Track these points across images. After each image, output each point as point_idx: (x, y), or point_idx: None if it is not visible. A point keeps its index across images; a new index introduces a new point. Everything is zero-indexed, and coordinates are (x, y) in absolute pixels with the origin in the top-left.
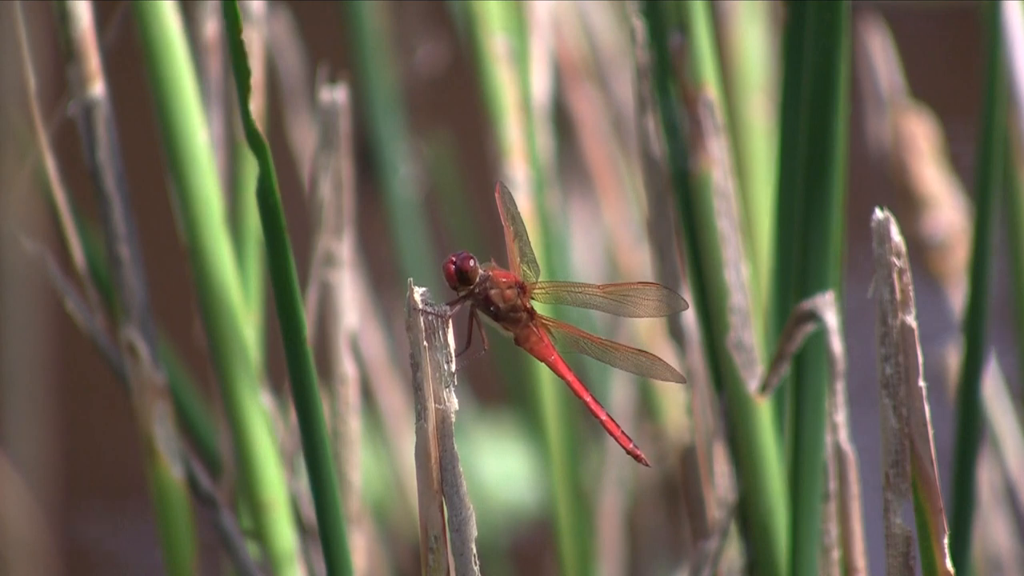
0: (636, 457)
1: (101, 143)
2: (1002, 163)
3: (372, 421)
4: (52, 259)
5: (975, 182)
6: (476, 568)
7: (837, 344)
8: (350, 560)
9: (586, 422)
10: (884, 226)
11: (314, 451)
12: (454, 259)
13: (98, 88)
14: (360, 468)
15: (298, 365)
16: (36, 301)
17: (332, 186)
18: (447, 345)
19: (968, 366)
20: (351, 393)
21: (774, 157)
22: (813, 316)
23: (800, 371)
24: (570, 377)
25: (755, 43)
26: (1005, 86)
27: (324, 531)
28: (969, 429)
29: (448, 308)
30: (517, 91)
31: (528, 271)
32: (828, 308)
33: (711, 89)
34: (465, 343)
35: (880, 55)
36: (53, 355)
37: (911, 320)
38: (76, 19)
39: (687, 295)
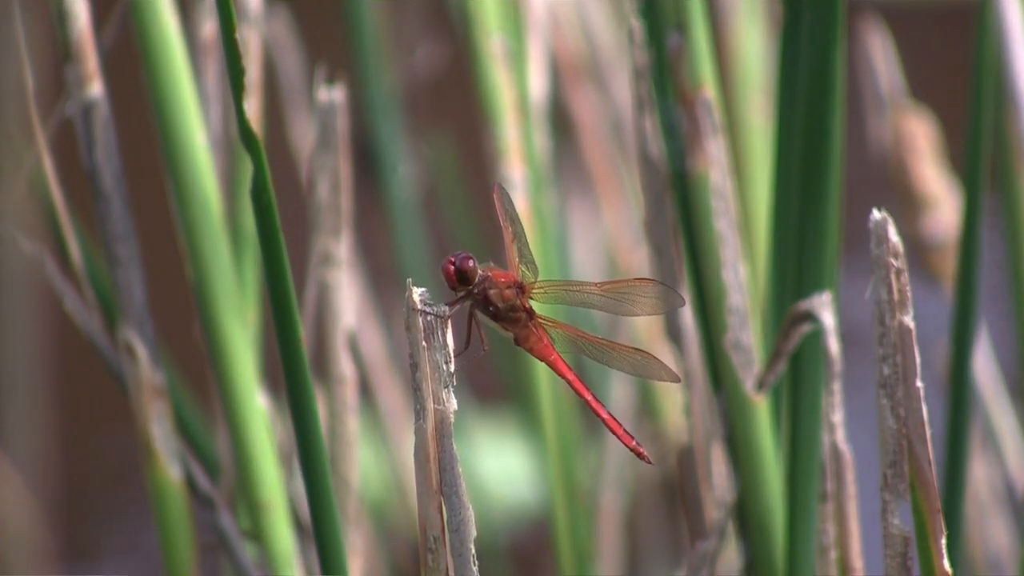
0: (639, 455)
1: (99, 143)
2: (990, 155)
3: (372, 421)
4: (50, 259)
5: (964, 176)
6: (475, 568)
7: (834, 344)
8: (345, 561)
9: (585, 421)
10: (882, 227)
11: (309, 451)
12: (453, 259)
13: (96, 88)
14: (359, 468)
15: (292, 363)
16: (34, 301)
17: (330, 186)
18: (446, 345)
19: (958, 353)
20: (349, 393)
21: (771, 157)
22: (810, 316)
23: (797, 371)
24: (570, 376)
25: (753, 43)
26: (1004, 86)
27: (319, 531)
28: (960, 417)
29: (447, 308)
30: (514, 91)
31: (527, 271)
32: (825, 308)
33: (709, 89)
34: (464, 343)
35: (880, 55)
36: (51, 355)
37: (909, 320)
38: (74, 19)
39: (685, 295)
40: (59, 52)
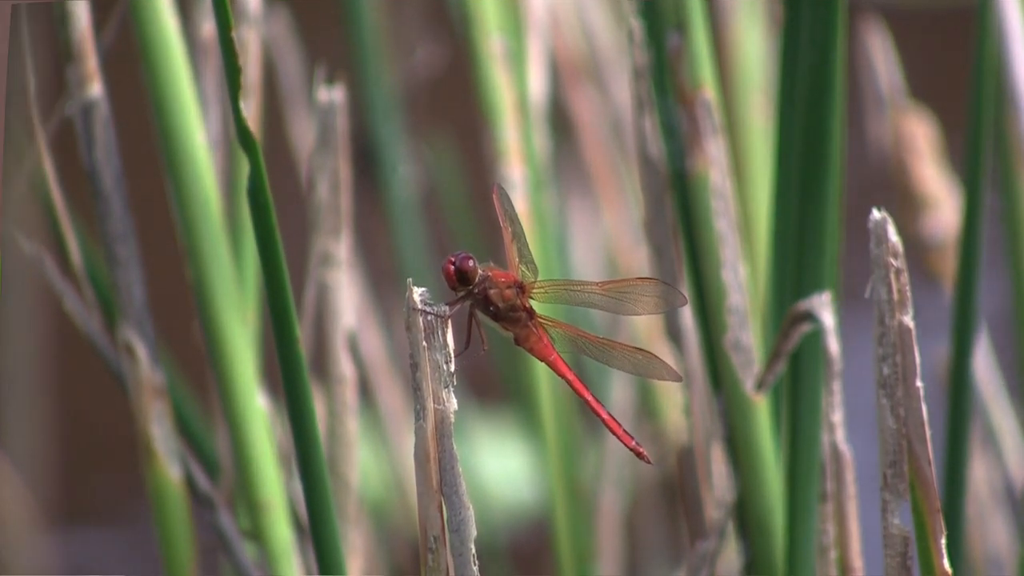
0: (639, 455)
1: (99, 143)
2: (990, 155)
3: (371, 421)
4: (50, 259)
5: (964, 176)
6: (475, 568)
7: (834, 344)
8: (343, 561)
9: (585, 421)
10: (882, 226)
11: (307, 452)
12: (453, 259)
13: (96, 88)
14: (358, 468)
15: (290, 363)
16: (34, 301)
17: (330, 186)
18: (446, 345)
19: (957, 353)
20: (349, 394)
21: (771, 157)
22: (809, 316)
23: (797, 371)
24: (570, 376)
25: (753, 43)
26: (1004, 86)
27: (317, 531)
28: (960, 417)
29: (447, 308)
30: (514, 91)
31: (526, 271)
32: (825, 308)
33: (709, 89)
34: (464, 343)
35: (880, 55)
36: (51, 355)
37: (908, 320)
38: (75, 20)
39: (685, 294)
40: (61, 53)
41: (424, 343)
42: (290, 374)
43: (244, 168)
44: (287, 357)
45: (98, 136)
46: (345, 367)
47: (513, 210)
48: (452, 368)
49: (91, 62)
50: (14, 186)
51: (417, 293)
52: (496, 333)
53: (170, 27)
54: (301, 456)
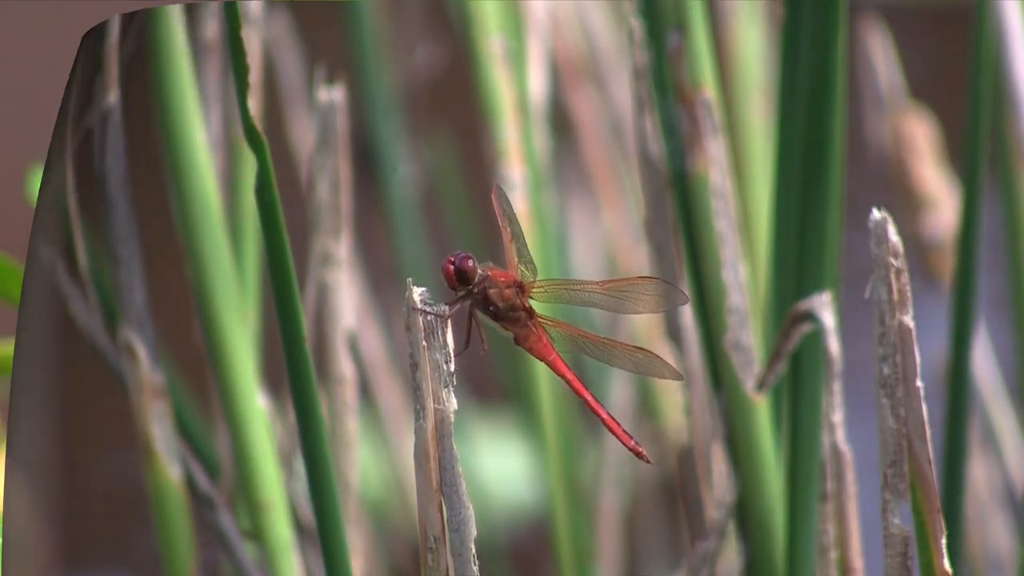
0: (638, 455)
1: (110, 148)
2: (989, 155)
3: (371, 421)
4: (61, 264)
5: (963, 176)
6: (475, 568)
7: (834, 344)
8: (348, 561)
9: (585, 421)
10: (882, 226)
11: (312, 452)
12: (453, 259)
13: (113, 96)
14: (358, 468)
15: (296, 358)
16: (41, 305)
17: (330, 186)
18: (446, 345)
19: (956, 352)
20: (349, 393)
21: (772, 157)
22: (810, 316)
23: (797, 371)
24: (570, 376)
25: (754, 43)
26: (1003, 86)
27: (322, 531)
28: (959, 416)
29: (447, 308)
30: (514, 91)
31: (525, 271)
32: (825, 308)
33: (709, 89)
34: (464, 343)
35: (880, 55)
36: (51, 355)
37: (909, 320)
38: (110, 32)
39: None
40: (93, 65)
41: (424, 343)
42: (296, 372)
43: (244, 168)
44: (294, 356)
45: (111, 142)
46: (345, 367)
47: (512, 210)
48: (452, 368)
49: (113, 71)
50: (47, 196)
51: (417, 293)
52: (496, 333)
53: (177, 29)
54: (307, 456)
